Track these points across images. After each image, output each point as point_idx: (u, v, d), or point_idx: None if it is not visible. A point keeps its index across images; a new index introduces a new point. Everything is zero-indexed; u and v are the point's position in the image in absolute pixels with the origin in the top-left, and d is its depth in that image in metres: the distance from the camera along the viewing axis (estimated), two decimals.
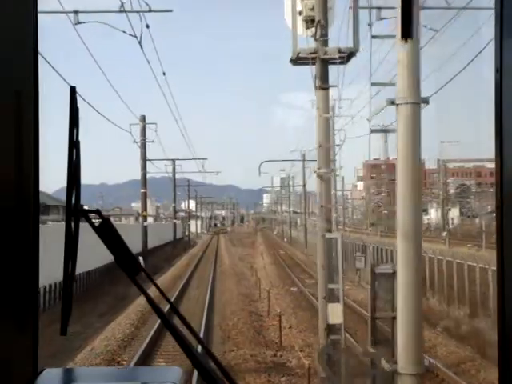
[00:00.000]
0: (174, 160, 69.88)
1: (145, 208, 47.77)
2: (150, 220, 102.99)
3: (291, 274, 42.58)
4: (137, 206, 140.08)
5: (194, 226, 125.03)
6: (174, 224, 79.13)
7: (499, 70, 1.90)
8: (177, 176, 79.67)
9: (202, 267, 49.79)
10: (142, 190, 47.06)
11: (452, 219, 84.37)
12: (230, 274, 42.41)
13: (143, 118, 46.12)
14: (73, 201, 1.95)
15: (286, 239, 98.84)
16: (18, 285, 2.03)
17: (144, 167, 47.08)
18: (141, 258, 38.90)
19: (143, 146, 46.95)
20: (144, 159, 47.14)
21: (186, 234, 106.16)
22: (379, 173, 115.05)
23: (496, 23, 1.91)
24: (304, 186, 76.18)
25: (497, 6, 1.90)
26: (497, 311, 1.92)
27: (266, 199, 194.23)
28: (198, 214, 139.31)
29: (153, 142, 47.39)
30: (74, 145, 1.94)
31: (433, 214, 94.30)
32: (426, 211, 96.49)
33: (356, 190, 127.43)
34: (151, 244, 50.79)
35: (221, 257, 63.53)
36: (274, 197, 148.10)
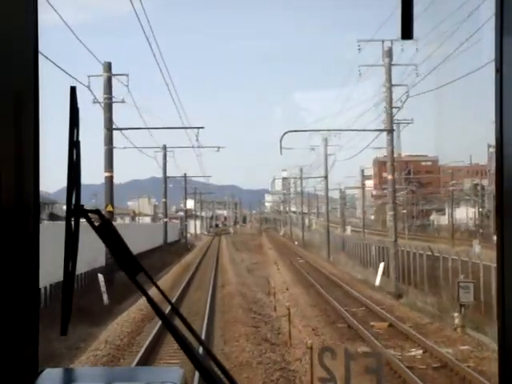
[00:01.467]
0: (165, 146, 60.22)
1: (110, 200, 32.87)
2: (147, 220, 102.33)
3: (336, 305, 28.38)
4: (133, 204, 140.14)
5: (194, 227, 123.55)
6: (165, 224, 65.67)
7: (499, 70, 2.01)
8: (175, 173, 77.88)
9: (196, 289, 34.73)
10: (107, 174, 33.16)
11: (470, 219, 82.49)
12: (237, 307, 26.79)
13: (108, 67, 33.21)
14: (73, 201, 2.06)
15: (296, 242, 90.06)
16: (18, 285, 2.14)
17: (110, 141, 33.58)
18: (100, 277, 28.09)
19: (108, 108, 33.32)
20: (109, 128, 33.63)
21: (185, 234, 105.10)
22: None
23: (496, 23, 2.02)
24: (326, 177, 64.77)
25: (497, 7, 2.02)
26: (496, 310, 2.04)
27: (268, 199, 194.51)
28: (198, 213, 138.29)
29: (123, 102, 34.05)
30: (74, 145, 2.06)
31: (457, 214, 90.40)
32: (441, 211, 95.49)
33: (365, 189, 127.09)
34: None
35: (223, 268, 48.94)
36: (281, 195, 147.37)
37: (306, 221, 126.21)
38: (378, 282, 36.58)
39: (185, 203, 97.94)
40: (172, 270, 46.27)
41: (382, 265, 37.66)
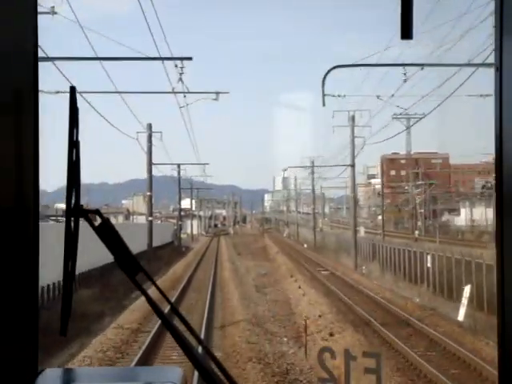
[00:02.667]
0: (150, 125, 50.96)
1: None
2: (141, 219, 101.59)
3: None
4: (127, 203, 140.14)
5: (194, 227, 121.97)
6: (150, 224, 53.41)
7: (499, 69, 2.12)
8: (167, 167, 74.45)
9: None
10: None
11: (486, 220, 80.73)
12: None
13: None
14: (73, 201, 2.17)
15: (305, 245, 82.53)
16: (18, 285, 2.25)
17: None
18: None
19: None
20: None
21: (184, 235, 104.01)
22: (398, 168, 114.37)
23: (496, 23, 2.13)
24: (353, 166, 54.22)
25: (497, 7, 2.13)
26: (497, 311, 2.15)
27: (270, 198, 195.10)
28: (196, 212, 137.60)
29: (53, 13, 25.06)
30: (73, 145, 2.16)
31: (470, 215, 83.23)
32: (454, 211, 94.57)
33: (370, 187, 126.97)
34: (96, 262, 30.78)
35: (222, 285, 38.25)
36: (285, 193, 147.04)
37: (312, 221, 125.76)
38: (461, 315, 25.18)
39: (179, 199, 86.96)
40: (149, 292, 28.43)
41: (467, 289, 25.75)
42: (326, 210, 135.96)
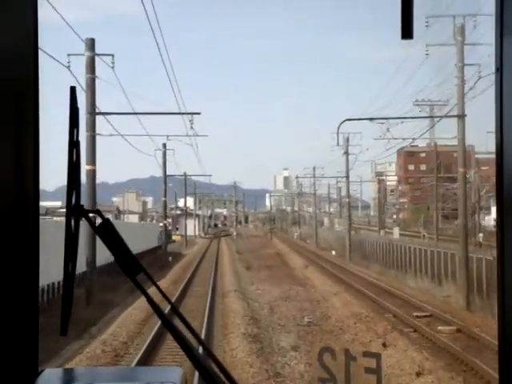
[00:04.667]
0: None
1: None
2: (134, 218, 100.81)
3: None
4: (118, 200, 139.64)
5: (191, 227, 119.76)
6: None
7: (499, 70, 2.32)
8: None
9: None
10: None
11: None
12: None
13: None
14: (73, 201, 2.38)
15: (333, 251, 72.53)
16: (17, 285, 2.44)
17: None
18: None
19: None
20: None
21: (178, 237, 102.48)
22: (417, 162, 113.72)
23: (496, 23, 2.33)
24: (463, 116, 36.06)
25: (497, 7, 2.33)
26: (497, 310, 2.36)
27: (275, 195, 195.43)
28: (193, 209, 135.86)
29: None
30: (73, 145, 2.35)
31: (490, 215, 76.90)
32: (484, 209, 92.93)
33: (381, 185, 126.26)
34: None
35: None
36: (298, 186, 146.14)
37: (325, 220, 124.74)
38: None
39: (164, 190, 73.33)
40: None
41: None
42: (333, 208, 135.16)
